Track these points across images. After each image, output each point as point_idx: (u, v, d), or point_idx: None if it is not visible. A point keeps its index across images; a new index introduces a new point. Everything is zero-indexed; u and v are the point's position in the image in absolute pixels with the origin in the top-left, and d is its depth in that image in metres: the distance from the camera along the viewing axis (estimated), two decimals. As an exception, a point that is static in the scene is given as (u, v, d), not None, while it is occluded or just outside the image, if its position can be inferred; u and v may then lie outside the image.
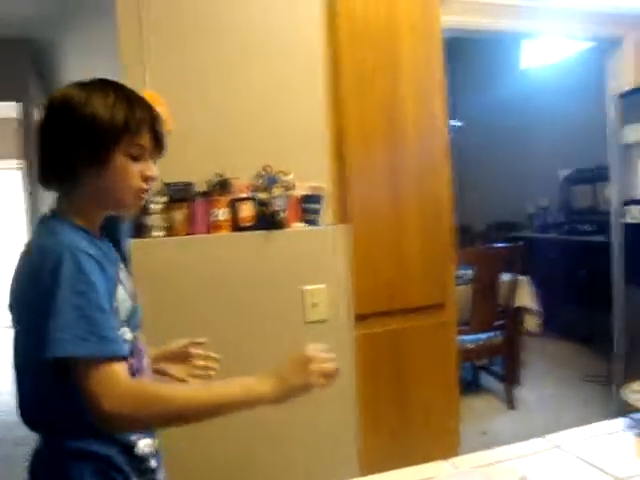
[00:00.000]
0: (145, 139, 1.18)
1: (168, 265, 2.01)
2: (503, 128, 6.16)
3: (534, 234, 5.71)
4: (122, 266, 1.25)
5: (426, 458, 1.12)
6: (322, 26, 2.27)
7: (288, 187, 2.13)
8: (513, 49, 6.10)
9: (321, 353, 1.17)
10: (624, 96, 3.37)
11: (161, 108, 1.99)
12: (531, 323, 3.95)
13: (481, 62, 6.28)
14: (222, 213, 2.07)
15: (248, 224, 2.10)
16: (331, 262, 2.19)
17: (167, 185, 2.01)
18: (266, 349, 2.10)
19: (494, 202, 6.49)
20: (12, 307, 1.14)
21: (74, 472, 1.08)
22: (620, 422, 1.18)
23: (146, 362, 1.25)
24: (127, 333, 1.16)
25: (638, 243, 3.27)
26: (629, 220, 3.29)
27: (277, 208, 2.08)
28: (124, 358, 1.07)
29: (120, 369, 1.04)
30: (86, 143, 1.13)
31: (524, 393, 3.99)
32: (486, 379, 4.29)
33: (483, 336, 3.71)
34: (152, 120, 1.19)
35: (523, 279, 3.85)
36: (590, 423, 1.19)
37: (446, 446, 2.47)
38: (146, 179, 1.20)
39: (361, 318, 2.26)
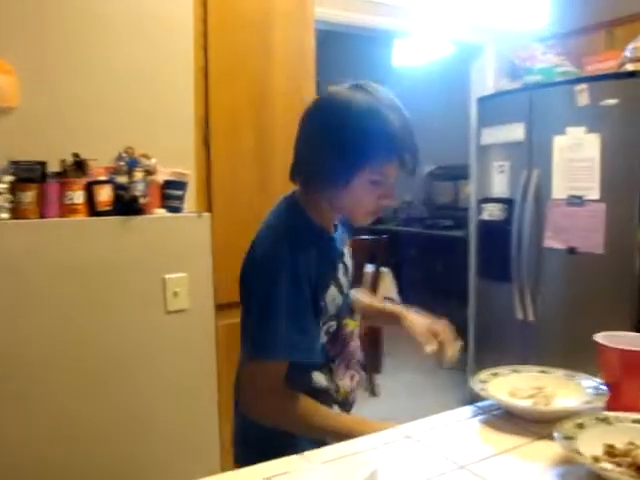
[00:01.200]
0: (392, 167, 1.19)
1: (15, 251, 1.85)
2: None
3: (398, 227, 5.93)
4: (343, 260, 1.33)
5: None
6: (193, 7, 2.20)
7: (150, 171, 2.04)
8: (387, 46, 6.26)
9: None
10: (482, 101, 3.56)
11: (9, 76, 1.85)
12: (393, 313, 4.08)
13: (355, 55, 6.39)
14: (78, 196, 1.94)
15: (106, 209, 1.99)
16: (193, 250, 2.13)
17: (14, 163, 1.86)
18: (125, 340, 2.02)
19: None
20: (240, 285, 1.29)
21: None
22: (468, 410, 1.23)
23: (353, 346, 1.36)
24: (332, 326, 1.29)
25: (492, 239, 3.48)
26: (485, 217, 3.49)
27: (137, 193, 1.99)
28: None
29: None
30: (338, 156, 1.15)
31: (385, 381, 4.14)
32: (349, 367, 4.39)
33: (347, 326, 3.79)
34: (408, 147, 1.19)
35: (386, 271, 3.98)
36: (447, 409, 1.23)
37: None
38: (383, 199, 1.22)
39: (223, 308, 2.22)
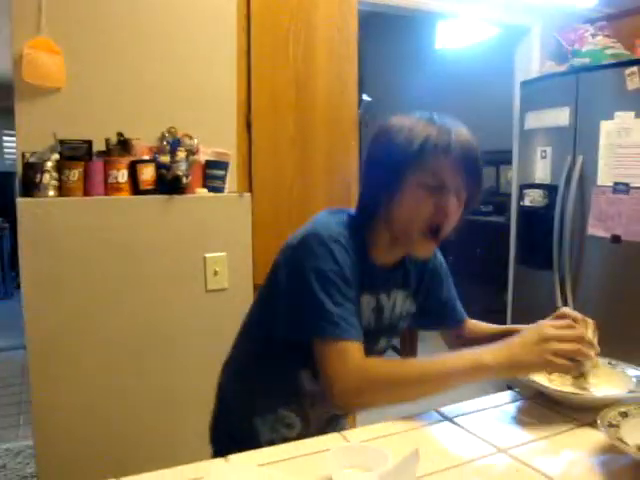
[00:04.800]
0: (444, 171, 1.11)
1: (61, 228, 1.90)
2: (413, 106, 6.23)
3: (438, 212, 5.84)
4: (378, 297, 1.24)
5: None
6: (236, -13, 2.20)
7: (192, 151, 2.06)
8: (428, 29, 6.17)
9: (561, 331, 1.08)
10: (527, 84, 3.49)
11: (56, 57, 1.88)
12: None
13: (396, 38, 6.32)
14: (122, 175, 1.98)
15: (149, 188, 2.02)
16: (233, 230, 2.15)
17: (61, 142, 1.90)
18: (166, 316, 2.06)
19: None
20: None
21: None
22: (507, 395, 1.23)
23: None
24: None
25: (533, 226, 3.42)
26: (526, 203, 3.43)
27: (179, 173, 2.01)
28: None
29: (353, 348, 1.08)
30: (383, 167, 1.14)
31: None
32: (385, 352, 4.39)
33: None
34: (458, 151, 1.10)
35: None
36: (484, 394, 1.23)
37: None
38: (440, 213, 1.12)
39: (262, 288, 2.25)
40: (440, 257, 1.44)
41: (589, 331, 1.19)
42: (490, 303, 4.72)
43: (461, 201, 1.16)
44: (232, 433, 1.32)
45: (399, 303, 1.30)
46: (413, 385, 1.07)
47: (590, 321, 1.21)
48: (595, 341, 1.17)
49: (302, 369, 1.21)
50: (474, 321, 1.48)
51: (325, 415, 1.27)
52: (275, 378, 1.25)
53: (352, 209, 1.26)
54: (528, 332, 1.09)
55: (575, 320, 1.20)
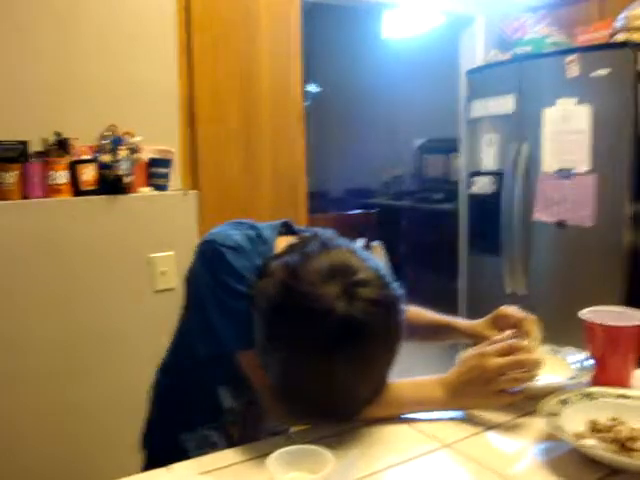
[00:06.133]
0: None
1: (-1, 232, 1.84)
2: (362, 96, 6.26)
3: (389, 201, 5.89)
4: None
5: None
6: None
7: (134, 150, 2.02)
8: (374, 18, 6.18)
9: (502, 360, 1.02)
10: (472, 73, 3.52)
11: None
12: (383, 288, 4.08)
13: (343, 28, 6.30)
14: (61, 176, 1.92)
15: (90, 188, 1.97)
16: (179, 228, 2.12)
17: (-5, 143, 1.83)
18: (112, 318, 2.01)
19: (352, 169, 6.59)
20: None
21: None
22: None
23: None
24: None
25: (482, 212, 3.46)
26: (474, 191, 3.48)
27: (122, 172, 1.96)
28: None
29: None
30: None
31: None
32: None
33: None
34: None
35: (376, 244, 3.97)
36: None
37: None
38: None
39: (211, 286, 2.22)
40: None
41: (534, 329, 1.21)
42: (442, 290, 4.78)
43: None
44: (161, 445, 1.24)
45: None
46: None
47: (532, 317, 1.23)
48: (539, 335, 1.20)
49: (220, 386, 1.16)
50: (413, 309, 1.37)
51: (255, 436, 1.13)
52: (196, 393, 1.19)
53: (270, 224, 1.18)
54: (471, 367, 1.05)
55: (519, 321, 1.22)
